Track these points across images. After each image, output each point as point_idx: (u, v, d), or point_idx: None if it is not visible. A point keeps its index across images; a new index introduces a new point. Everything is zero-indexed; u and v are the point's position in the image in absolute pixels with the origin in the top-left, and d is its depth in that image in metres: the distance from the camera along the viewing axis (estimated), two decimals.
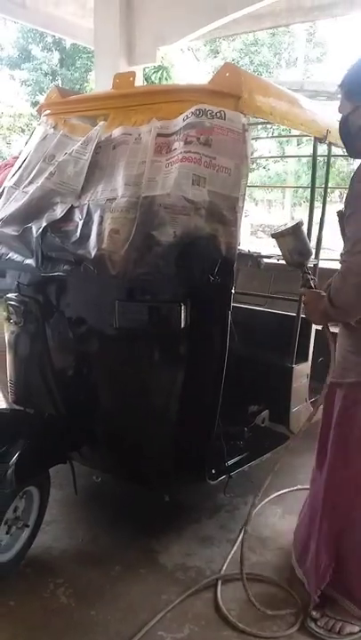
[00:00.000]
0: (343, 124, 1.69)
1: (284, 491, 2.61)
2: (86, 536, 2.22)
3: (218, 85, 1.90)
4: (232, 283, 1.90)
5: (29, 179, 2.19)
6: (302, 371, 2.55)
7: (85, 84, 16.45)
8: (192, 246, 1.79)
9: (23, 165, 2.26)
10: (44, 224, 2.00)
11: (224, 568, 2.07)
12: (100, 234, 1.85)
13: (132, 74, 2.24)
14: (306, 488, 2.53)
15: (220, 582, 1.99)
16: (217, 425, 2.01)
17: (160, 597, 1.90)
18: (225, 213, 1.85)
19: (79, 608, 1.84)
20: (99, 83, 5.33)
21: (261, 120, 2.23)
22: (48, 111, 2.41)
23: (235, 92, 1.88)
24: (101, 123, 2.11)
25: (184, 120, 1.88)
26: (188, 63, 16.56)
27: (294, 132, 2.39)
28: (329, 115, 2.37)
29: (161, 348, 1.89)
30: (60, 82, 18.18)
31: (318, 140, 2.34)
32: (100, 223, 1.87)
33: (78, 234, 1.92)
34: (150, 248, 1.78)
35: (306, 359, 2.56)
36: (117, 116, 2.10)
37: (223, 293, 1.88)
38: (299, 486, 2.63)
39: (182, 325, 1.80)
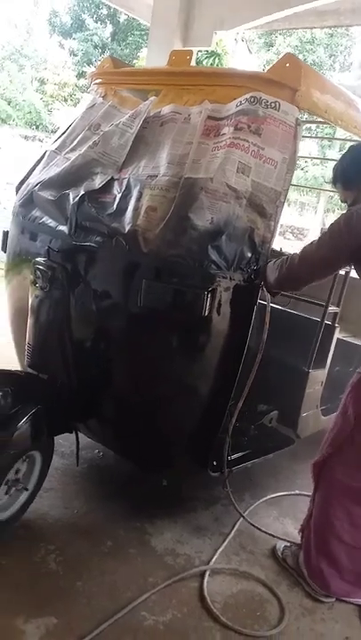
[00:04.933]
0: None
1: (282, 493, 2.59)
2: (82, 508, 2.23)
3: (276, 75, 1.86)
4: (262, 277, 1.87)
5: (72, 145, 2.17)
6: (318, 377, 2.51)
7: (135, 61, 16.32)
8: (227, 235, 1.77)
9: (67, 131, 2.25)
10: (81, 192, 1.98)
11: (213, 560, 2.06)
12: (136, 209, 1.83)
13: (190, 52, 2.21)
14: (304, 494, 2.53)
15: (207, 573, 1.98)
16: (225, 418, 1.99)
17: (146, 579, 1.91)
18: (265, 206, 1.82)
19: (66, 576, 1.86)
20: (150, 60, 5.27)
21: (317, 119, 2.17)
22: (99, 80, 2.39)
23: (293, 85, 1.83)
24: (152, 98, 2.08)
25: (237, 106, 1.84)
26: (240, 53, 16.31)
27: (338, 134, 2.33)
28: None
29: (181, 332, 1.87)
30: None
31: None
32: (138, 199, 1.85)
33: (115, 207, 1.89)
34: (185, 230, 1.75)
35: (323, 366, 2.53)
36: (169, 94, 2.06)
37: (251, 287, 1.85)
38: (297, 491, 2.61)
39: (205, 313, 1.78)
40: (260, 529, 2.27)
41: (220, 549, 2.13)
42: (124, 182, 1.92)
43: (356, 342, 2.98)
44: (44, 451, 2.01)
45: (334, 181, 2.07)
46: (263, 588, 1.99)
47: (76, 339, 2.04)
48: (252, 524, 2.27)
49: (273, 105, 1.81)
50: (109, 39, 19.65)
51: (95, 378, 2.06)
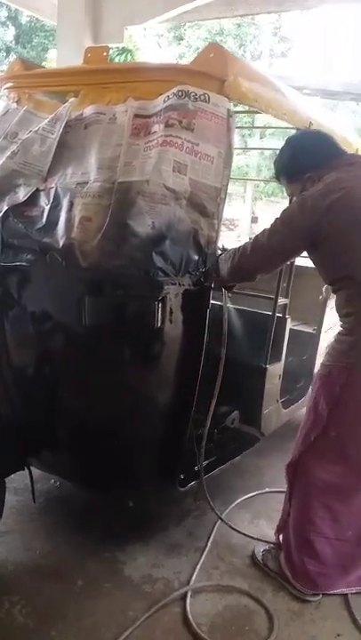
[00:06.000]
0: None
1: (252, 494, 2.54)
2: (45, 547, 2.06)
3: (202, 66, 1.76)
4: (211, 279, 1.79)
5: None
6: (276, 371, 2.47)
7: (43, 64, 15.80)
8: (171, 239, 1.66)
9: None
10: (4, 208, 1.82)
11: (193, 579, 1.96)
12: (69, 221, 1.69)
13: (105, 48, 2.07)
14: (275, 491, 2.48)
15: (189, 595, 1.88)
16: (190, 429, 1.90)
17: (126, 614, 1.78)
18: (206, 205, 1.73)
19: (38, 628, 1.69)
20: (61, 61, 5.04)
21: (246, 108, 2.10)
22: (10, 84, 2.20)
23: (220, 75, 1.74)
24: (71, 99, 1.93)
25: (165, 101, 1.73)
26: (151, 48, 16.22)
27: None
28: (312, 106, 2.28)
29: (134, 348, 1.75)
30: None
31: None
32: (70, 209, 1.70)
33: (44, 220, 1.74)
34: (126, 239, 1.63)
35: (279, 359, 2.48)
36: (89, 94, 1.92)
37: (202, 291, 1.76)
38: (267, 489, 2.57)
39: (158, 324, 1.67)
40: (246, 535, 2.22)
41: (199, 566, 2.03)
42: (52, 192, 1.76)
43: (307, 330, 2.97)
44: None
45: (278, 176, 2.01)
46: (248, 599, 1.91)
47: (17, 367, 1.87)
48: (232, 528, 2.22)
49: (202, 97, 1.71)
50: (13, 42, 18.92)
51: (44, 407, 1.90)
